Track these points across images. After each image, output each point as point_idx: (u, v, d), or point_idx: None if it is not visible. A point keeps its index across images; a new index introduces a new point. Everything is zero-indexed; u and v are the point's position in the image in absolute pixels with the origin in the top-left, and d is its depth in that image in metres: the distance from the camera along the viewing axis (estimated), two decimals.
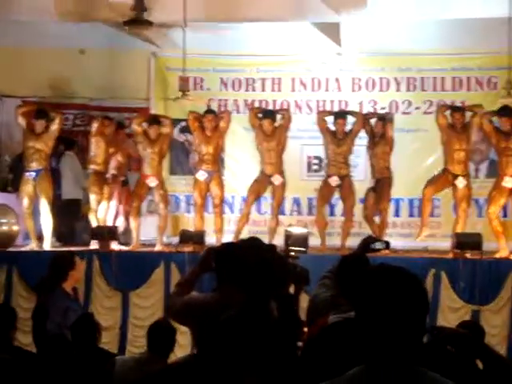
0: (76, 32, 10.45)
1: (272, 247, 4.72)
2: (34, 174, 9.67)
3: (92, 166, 10.07)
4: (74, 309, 5.96)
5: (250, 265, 3.91)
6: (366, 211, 9.92)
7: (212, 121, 9.87)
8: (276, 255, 4.44)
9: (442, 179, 9.61)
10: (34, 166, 9.70)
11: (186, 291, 4.32)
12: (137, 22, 9.39)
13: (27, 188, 9.70)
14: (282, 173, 9.89)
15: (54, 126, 9.79)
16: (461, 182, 9.43)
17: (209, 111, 10.17)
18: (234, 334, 2.66)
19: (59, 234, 10.29)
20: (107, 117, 10.36)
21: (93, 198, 9.99)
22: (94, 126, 10.07)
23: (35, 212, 9.79)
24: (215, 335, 2.66)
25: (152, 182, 9.86)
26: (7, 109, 11.24)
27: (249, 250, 4.30)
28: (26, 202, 9.70)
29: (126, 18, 9.36)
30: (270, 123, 9.82)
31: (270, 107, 11.00)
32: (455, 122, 9.46)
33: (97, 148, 10.03)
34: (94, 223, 9.98)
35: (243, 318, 2.67)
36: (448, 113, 9.59)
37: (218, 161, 10.19)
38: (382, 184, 9.81)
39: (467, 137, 9.47)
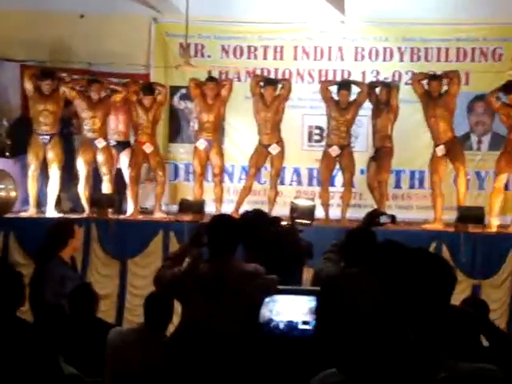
0: None
1: (276, 219, 4.65)
2: (47, 137, 9.53)
3: (84, 133, 9.80)
4: (71, 277, 5.89)
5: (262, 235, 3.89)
6: (369, 181, 9.82)
7: (213, 89, 9.72)
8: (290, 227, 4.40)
9: (435, 157, 9.41)
10: (47, 129, 9.54)
11: (176, 265, 4.34)
12: None
13: (37, 151, 9.56)
14: (279, 142, 9.73)
15: (63, 87, 9.62)
16: (441, 150, 9.28)
17: (210, 79, 10.01)
18: None
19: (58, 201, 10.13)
20: (94, 80, 9.94)
21: (81, 166, 9.70)
22: (64, 88, 9.64)
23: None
24: None
25: (148, 147, 9.77)
26: (5, 72, 11.08)
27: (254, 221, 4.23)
28: (34, 165, 9.56)
29: None
30: (272, 91, 9.66)
31: (272, 76, 10.83)
32: (432, 90, 9.34)
33: (82, 112, 9.71)
34: (81, 192, 9.69)
35: None
36: (425, 82, 9.47)
37: (218, 129, 10.07)
38: (382, 154, 9.65)
39: (445, 104, 9.28)
